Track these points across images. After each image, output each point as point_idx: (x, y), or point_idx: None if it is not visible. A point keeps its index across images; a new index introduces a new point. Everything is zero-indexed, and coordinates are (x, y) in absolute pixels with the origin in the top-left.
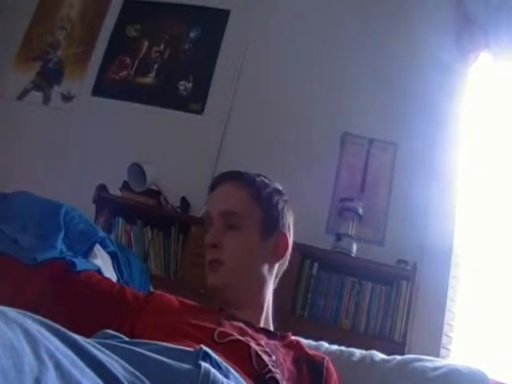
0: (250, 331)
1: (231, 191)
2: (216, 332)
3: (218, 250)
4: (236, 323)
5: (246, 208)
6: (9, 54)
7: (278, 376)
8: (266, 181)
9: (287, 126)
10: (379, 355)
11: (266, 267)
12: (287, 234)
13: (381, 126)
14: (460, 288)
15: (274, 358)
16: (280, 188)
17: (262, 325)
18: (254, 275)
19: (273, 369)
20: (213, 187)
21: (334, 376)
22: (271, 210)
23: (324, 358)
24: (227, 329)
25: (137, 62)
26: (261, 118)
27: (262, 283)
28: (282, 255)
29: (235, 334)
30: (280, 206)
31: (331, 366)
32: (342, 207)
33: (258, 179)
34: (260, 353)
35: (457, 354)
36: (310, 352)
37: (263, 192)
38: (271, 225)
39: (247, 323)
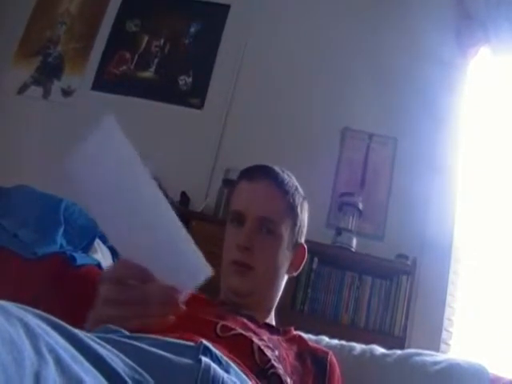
0: (252, 326)
1: (271, 196)
2: (218, 326)
3: (249, 254)
4: (239, 317)
5: (282, 216)
6: (9, 48)
7: (281, 371)
8: (299, 188)
9: (287, 121)
10: (379, 350)
11: (285, 277)
12: (305, 246)
13: (381, 121)
14: (460, 283)
15: (276, 353)
16: (304, 194)
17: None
18: (276, 284)
19: (275, 364)
20: (248, 178)
21: (337, 371)
22: (301, 222)
23: (327, 353)
24: (230, 323)
25: (137, 56)
26: (260, 113)
27: (278, 292)
28: (300, 266)
29: (238, 328)
30: (306, 218)
31: (334, 360)
32: (342, 202)
33: (294, 186)
34: (263, 348)
35: (457, 348)
36: (313, 346)
37: (298, 203)
38: (298, 236)
39: (250, 318)
